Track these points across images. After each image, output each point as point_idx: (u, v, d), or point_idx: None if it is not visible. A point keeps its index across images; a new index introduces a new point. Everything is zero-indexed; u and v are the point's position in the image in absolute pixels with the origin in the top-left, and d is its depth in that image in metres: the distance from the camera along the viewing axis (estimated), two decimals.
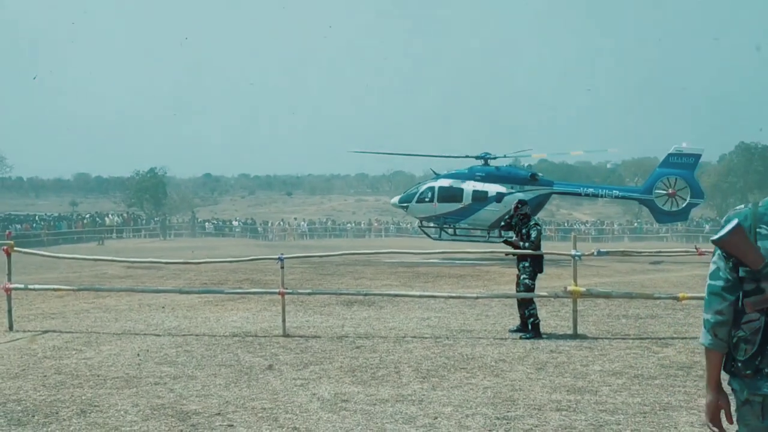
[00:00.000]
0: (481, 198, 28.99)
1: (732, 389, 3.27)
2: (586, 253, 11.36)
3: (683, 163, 28.70)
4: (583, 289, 11.10)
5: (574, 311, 11.12)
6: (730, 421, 3.30)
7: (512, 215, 11.54)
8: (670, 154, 29.16)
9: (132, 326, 11.94)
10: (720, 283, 3.19)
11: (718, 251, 3.20)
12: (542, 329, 11.02)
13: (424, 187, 30.26)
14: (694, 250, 11.18)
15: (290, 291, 11.86)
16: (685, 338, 10.68)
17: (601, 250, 11.56)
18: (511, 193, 28.31)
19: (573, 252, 11.09)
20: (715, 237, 3.11)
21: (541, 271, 11.23)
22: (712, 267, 3.23)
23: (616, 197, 31.09)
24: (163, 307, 13.82)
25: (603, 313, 12.98)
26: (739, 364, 3.18)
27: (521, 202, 11.53)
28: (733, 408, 3.32)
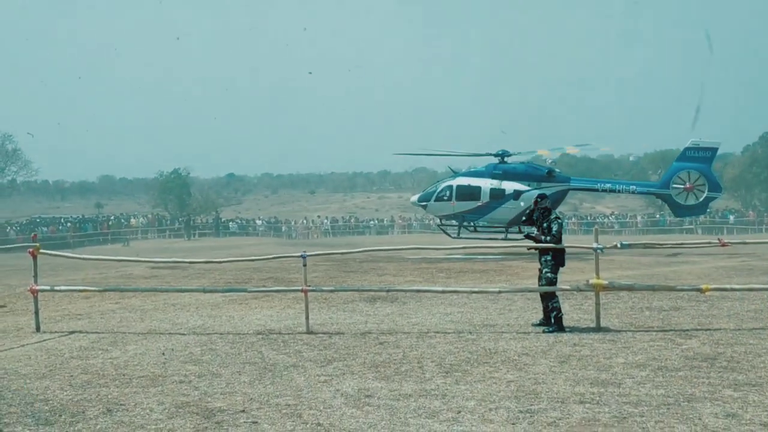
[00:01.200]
0: (498, 196, 29.01)
1: None
2: (609, 246, 11.32)
3: (700, 157, 28.52)
4: (605, 282, 11.06)
5: (597, 304, 11.08)
6: None
7: (533, 210, 11.52)
8: (686, 148, 29.00)
9: (157, 326, 12.06)
10: None
11: None
12: (565, 323, 11.00)
13: (443, 185, 30.32)
14: (717, 241, 11.10)
15: (313, 288, 11.93)
16: (709, 330, 10.61)
17: (624, 242, 11.50)
18: (529, 190, 28.31)
19: (595, 245, 11.05)
20: None
21: (563, 264, 11.20)
22: None
23: (633, 192, 30.99)
24: (194, 308, 13.95)
25: (626, 306, 12.93)
26: None
27: (541, 197, 11.51)
28: None
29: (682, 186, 28.47)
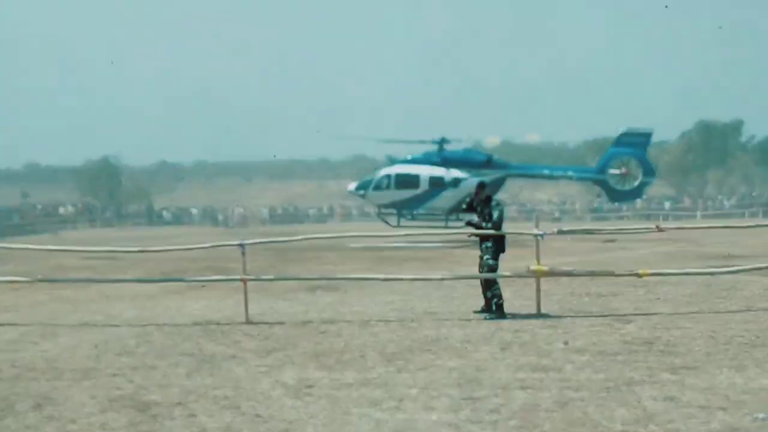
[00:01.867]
0: (438, 183, 28.97)
1: None
2: (549, 232, 11.37)
3: (635, 143, 29.02)
4: (546, 268, 11.12)
5: (538, 290, 11.13)
6: None
7: (473, 198, 11.49)
8: (621, 135, 29.50)
9: (90, 317, 11.71)
10: None
11: None
12: (506, 309, 11.02)
13: (381, 174, 30.14)
14: (655, 227, 11.25)
15: (253, 278, 11.71)
16: (647, 314, 10.75)
17: (564, 228, 11.58)
18: (468, 177, 28.31)
19: (535, 231, 11.09)
20: None
21: (503, 251, 11.20)
22: None
23: (571, 178, 31.36)
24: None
25: (566, 292, 13.03)
26: None
27: (481, 185, 11.49)
28: None
29: (618, 172, 28.92)
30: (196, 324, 10.90)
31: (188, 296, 13.77)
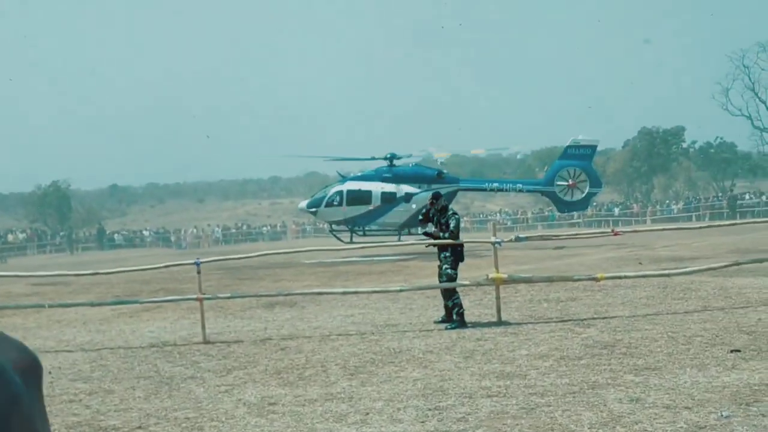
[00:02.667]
0: (389, 199, 28.99)
1: None
2: (507, 240, 11.39)
3: (581, 154, 29.53)
4: (504, 275, 11.12)
5: (497, 298, 11.13)
6: None
7: (429, 208, 11.46)
8: (568, 146, 29.99)
9: (42, 344, 11.36)
10: None
11: None
12: (467, 318, 10.99)
13: (332, 191, 30.05)
14: (611, 231, 11.34)
15: (208, 297, 11.52)
16: (606, 318, 10.81)
17: (521, 236, 11.62)
18: (419, 192, 28.41)
19: (493, 239, 11.10)
20: None
21: (462, 260, 11.19)
22: None
23: (520, 191, 31.72)
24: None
25: (525, 299, 13.06)
26: None
27: (436, 196, 11.47)
28: None
29: (566, 183, 29.32)
30: (152, 346, 10.65)
31: (143, 318, 13.48)
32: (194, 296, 11.32)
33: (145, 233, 68.73)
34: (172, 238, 66.07)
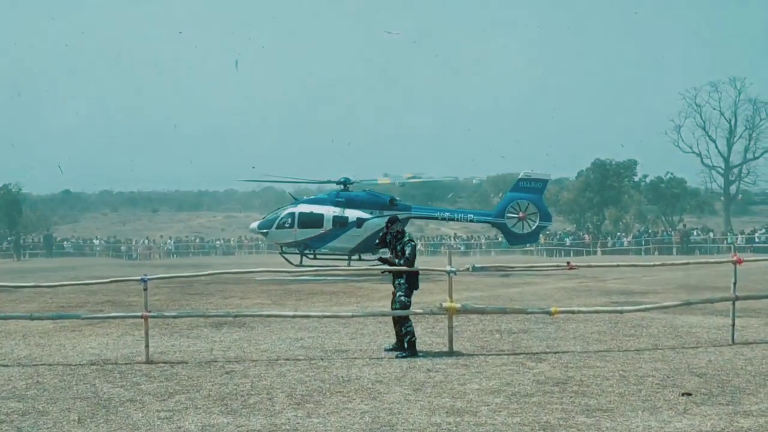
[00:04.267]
0: (341, 223, 28.91)
1: None
2: (462, 269, 11.27)
3: (532, 188, 29.79)
4: (458, 305, 10.98)
5: (450, 328, 10.97)
6: None
7: (386, 233, 11.30)
8: (519, 179, 30.26)
9: None
10: None
11: None
12: (418, 347, 10.81)
13: (284, 212, 29.93)
14: (566, 264, 11.28)
15: (154, 314, 11.17)
16: (558, 352, 10.72)
17: (477, 265, 11.50)
18: (372, 218, 28.44)
19: (448, 268, 10.95)
20: None
21: (416, 287, 11.02)
22: None
23: (471, 221, 31.89)
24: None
25: (477, 329, 12.93)
26: None
27: (392, 220, 11.30)
28: None
29: (516, 215, 29.50)
30: (92, 364, 10.28)
31: (85, 333, 13.06)
32: (139, 313, 10.96)
33: (96, 242, 67.49)
34: (123, 248, 64.97)
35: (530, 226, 29.65)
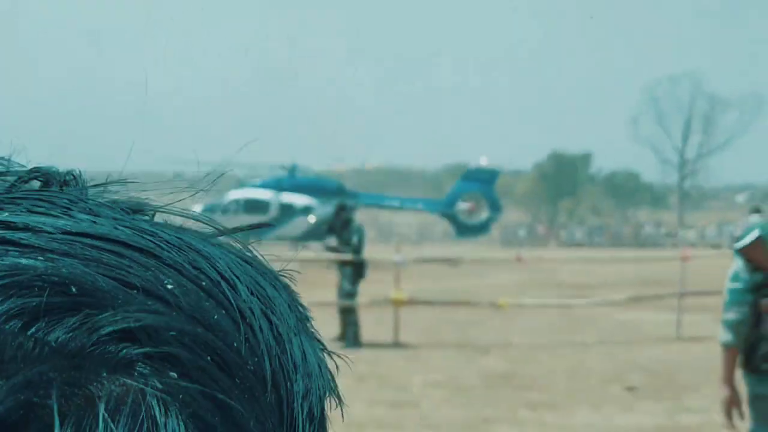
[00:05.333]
0: (288, 210, 28.30)
1: (747, 384, 3.70)
2: (410, 260, 11.11)
3: (483, 179, 29.36)
4: (405, 297, 10.82)
5: (396, 319, 10.80)
6: (742, 417, 3.70)
7: (334, 220, 11.09)
8: (469, 170, 29.88)
9: None
10: (740, 285, 3.61)
11: (740, 257, 3.65)
12: (363, 338, 10.62)
13: (230, 198, 29.23)
14: (515, 258, 11.20)
15: None
16: (505, 345, 10.62)
17: (425, 256, 11.35)
18: (318, 205, 27.87)
19: (395, 258, 10.78)
20: (738, 245, 3.61)
21: (363, 276, 10.83)
22: (733, 270, 3.66)
23: (420, 210, 31.49)
24: None
25: (424, 320, 12.77)
26: (758, 361, 3.59)
27: (342, 207, 11.09)
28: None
29: (466, 207, 29.18)
30: None
31: None
32: None
33: None
34: None
35: (480, 217, 29.34)
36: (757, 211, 13.04)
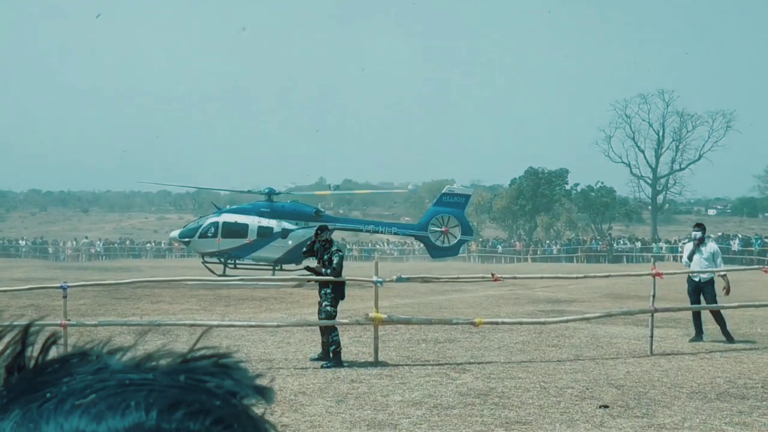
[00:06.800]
0: (266, 234, 28.56)
1: None
2: (388, 280, 11.32)
3: (455, 203, 30.07)
4: (384, 316, 11.03)
5: (376, 338, 11.01)
6: None
7: (314, 241, 11.30)
8: (443, 194, 30.59)
9: None
10: None
11: None
12: (344, 356, 10.82)
13: (208, 221, 29.42)
14: (491, 276, 11.45)
15: (73, 323, 10.93)
16: (482, 363, 10.85)
17: (402, 276, 11.58)
18: (297, 229, 28.21)
19: (375, 278, 11.00)
20: None
21: (342, 297, 11.05)
22: None
23: (396, 233, 32.09)
24: None
25: (403, 338, 13.01)
26: None
27: (322, 229, 11.32)
28: None
29: (439, 229, 29.71)
30: None
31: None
32: (58, 322, 10.71)
33: (21, 243, 65.72)
34: (50, 249, 63.44)
35: (451, 240, 29.95)
36: (699, 225, 13.57)
